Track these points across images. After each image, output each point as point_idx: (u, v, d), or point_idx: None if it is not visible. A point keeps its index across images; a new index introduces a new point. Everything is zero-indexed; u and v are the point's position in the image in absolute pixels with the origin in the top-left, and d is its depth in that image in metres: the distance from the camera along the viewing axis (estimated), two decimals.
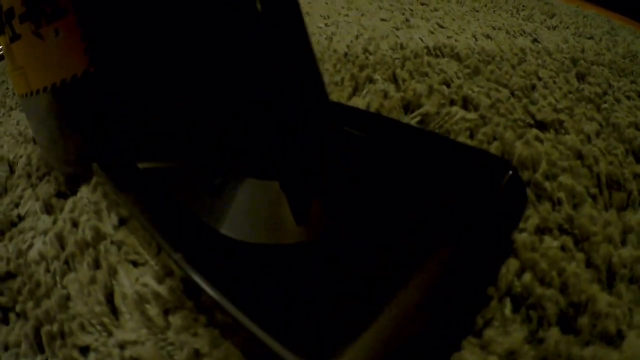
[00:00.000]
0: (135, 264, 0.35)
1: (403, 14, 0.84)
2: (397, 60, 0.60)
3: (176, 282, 0.32)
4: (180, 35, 0.32)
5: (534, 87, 0.53)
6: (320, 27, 0.79)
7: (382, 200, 0.29)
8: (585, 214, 0.33)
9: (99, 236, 0.37)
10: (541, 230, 0.32)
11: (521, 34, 0.75)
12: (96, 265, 0.35)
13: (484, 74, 0.55)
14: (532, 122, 0.45)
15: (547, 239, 0.32)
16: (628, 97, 0.53)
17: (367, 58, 0.62)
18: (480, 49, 0.64)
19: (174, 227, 0.31)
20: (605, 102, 0.50)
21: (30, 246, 0.39)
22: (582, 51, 0.67)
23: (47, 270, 0.35)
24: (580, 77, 0.57)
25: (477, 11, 0.88)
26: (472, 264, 0.26)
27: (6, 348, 0.31)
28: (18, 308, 0.33)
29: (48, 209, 0.43)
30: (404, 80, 0.54)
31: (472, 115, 0.46)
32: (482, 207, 0.27)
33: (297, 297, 0.24)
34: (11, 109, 0.74)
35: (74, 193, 0.44)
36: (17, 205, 0.45)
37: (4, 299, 0.34)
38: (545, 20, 0.84)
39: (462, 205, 0.27)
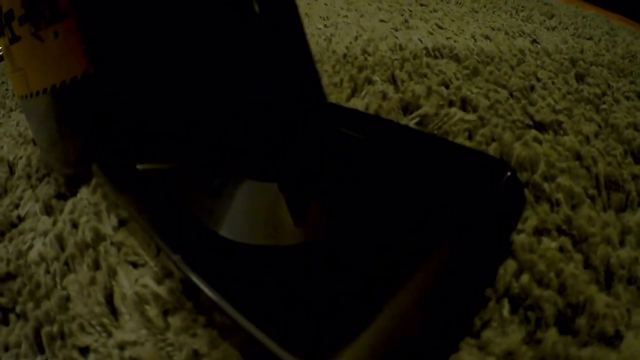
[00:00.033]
0: (134, 265, 0.35)
1: (402, 14, 0.84)
2: (396, 62, 0.60)
3: (175, 283, 0.32)
4: (179, 36, 0.32)
5: (532, 88, 0.53)
6: (320, 28, 0.79)
7: (380, 202, 0.29)
8: (584, 215, 0.33)
9: (98, 237, 0.37)
10: (539, 231, 0.33)
11: (520, 35, 0.75)
12: (96, 266, 0.35)
13: (482, 75, 0.55)
14: (531, 123, 0.45)
15: (546, 240, 0.32)
16: (627, 98, 0.53)
17: (366, 59, 0.62)
18: (479, 50, 0.64)
19: (173, 229, 0.31)
20: (604, 103, 0.50)
21: (30, 247, 0.39)
22: (581, 52, 0.67)
23: (47, 271, 0.35)
24: (579, 78, 0.57)
25: (476, 12, 0.88)
26: (470, 265, 0.26)
27: (6, 349, 0.31)
28: (18, 309, 0.33)
29: (48, 210, 0.43)
30: (402, 82, 0.54)
31: (470, 117, 0.46)
32: (480, 208, 0.27)
33: (296, 298, 0.24)
34: (11, 110, 0.74)
35: (74, 194, 0.44)
36: (17, 207, 0.45)
37: (4, 300, 0.34)
38: (544, 20, 0.84)
39: (461, 206, 0.27)
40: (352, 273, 0.25)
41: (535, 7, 0.93)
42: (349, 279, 0.25)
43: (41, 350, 0.30)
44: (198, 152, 0.37)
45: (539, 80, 0.55)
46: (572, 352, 0.25)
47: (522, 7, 0.92)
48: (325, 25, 0.80)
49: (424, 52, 0.64)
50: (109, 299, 0.32)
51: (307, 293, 0.24)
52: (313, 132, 0.30)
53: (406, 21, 0.80)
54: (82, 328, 0.31)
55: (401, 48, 0.66)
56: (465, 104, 0.49)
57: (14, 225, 0.43)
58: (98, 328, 0.31)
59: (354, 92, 0.54)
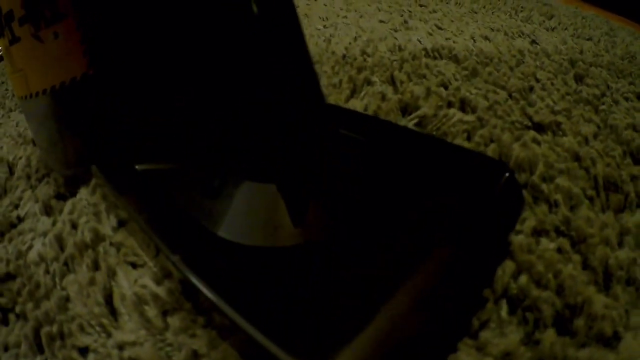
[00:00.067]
0: (134, 265, 0.35)
1: (401, 15, 0.84)
2: (395, 62, 0.60)
3: (174, 284, 0.32)
4: (178, 36, 0.32)
5: (531, 88, 0.53)
6: (319, 29, 0.79)
7: (379, 203, 0.29)
8: (582, 216, 0.34)
9: (98, 238, 0.37)
10: (538, 232, 0.33)
11: (520, 36, 0.75)
12: (95, 266, 0.35)
13: (482, 76, 0.55)
14: (530, 124, 0.45)
15: (544, 240, 0.32)
16: (626, 99, 0.53)
17: (365, 60, 0.62)
18: (479, 51, 0.64)
19: (172, 230, 0.31)
20: (603, 104, 0.50)
21: (30, 247, 0.39)
22: (581, 52, 0.67)
23: (47, 271, 0.36)
24: (579, 79, 0.57)
25: (476, 12, 0.88)
26: (468, 265, 0.26)
27: (6, 349, 0.31)
28: (18, 309, 0.33)
29: (47, 211, 0.43)
30: (401, 83, 0.54)
31: (469, 118, 0.46)
32: (478, 209, 0.27)
33: (295, 299, 0.24)
34: (10, 110, 0.74)
35: (73, 195, 0.44)
36: (16, 207, 0.45)
37: (3, 300, 0.34)
38: (543, 21, 0.85)
39: (459, 207, 0.27)
40: (350, 274, 0.25)
41: (535, 7, 0.93)
42: (348, 279, 0.25)
43: (41, 351, 0.30)
44: (197, 152, 0.37)
45: (538, 81, 0.55)
46: (570, 353, 0.25)
47: (522, 7, 0.92)
48: (324, 26, 0.80)
49: (423, 53, 0.64)
50: (109, 299, 0.33)
51: (306, 294, 0.24)
52: (312, 133, 0.30)
53: (405, 22, 0.80)
54: (81, 328, 0.31)
55: (400, 49, 0.66)
56: (464, 105, 0.49)
57: (13, 226, 0.43)
58: (97, 328, 0.31)
59: (353, 93, 0.54)
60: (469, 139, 0.43)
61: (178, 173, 0.36)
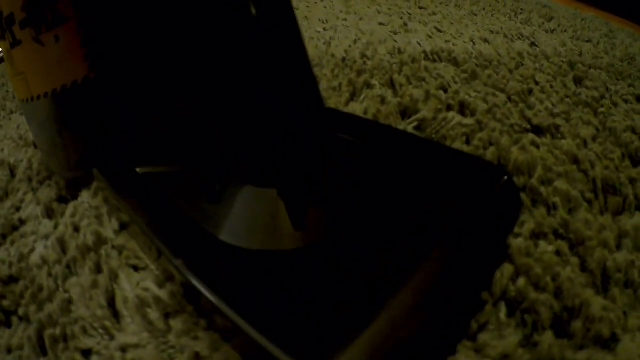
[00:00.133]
0: (136, 268, 0.35)
1: (401, 17, 0.85)
2: (394, 65, 0.60)
3: (177, 287, 0.32)
4: (178, 40, 0.32)
5: (531, 91, 0.53)
6: (319, 32, 0.79)
7: (378, 207, 0.30)
8: (581, 219, 0.34)
9: (100, 241, 0.37)
10: (536, 235, 0.33)
11: (519, 38, 0.75)
12: (98, 269, 0.35)
13: (481, 79, 0.55)
14: (529, 127, 0.45)
15: (542, 243, 0.32)
16: (625, 101, 0.53)
17: (364, 63, 0.62)
18: (478, 54, 0.64)
19: (174, 233, 0.31)
20: (602, 106, 0.50)
21: (32, 250, 0.39)
22: (580, 55, 0.68)
23: (49, 274, 0.36)
24: (578, 81, 0.57)
25: (475, 15, 0.88)
26: (467, 268, 0.27)
27: (9, 351, 0.31)
28: (21, 312, 0.33)
29: (49, 214, 0.43)
30: (401, 86, 0.54)
31: (468, 121, 0.46)
32: (477, 212, 0.27)
33: (296, 302, 0.25)
34: (11, 112, 0.74)
35: (75, 198, 0.44)
36: (18, 210, 0.45)
37: (6, 303, 0.34)
38: (543, 23, 0.85)
39: (458, 211, 0.27)
40: (351, 277, 0.25)
41: (534, 9, 0.93)
42: (348, 283, 0.25)
43: (44, 353, 0.31)
44: (198, 157, 0.37)
45: (537, 83, 0.55)
46: (568, 355, 0.25)
47: (522, 9, 0.93)
48: (324, 29, 0.80)
49: (423, 55, 0.64)
50: (111, 302, 0.33)
51: (306, 297, 0.25)
52: (311, 137, 0.30)
53: (405, 24, 0.80)
54: (84, 331, 0.31)
55: (400, 52, 0.66)
56: (463, 108, 0.49)
57: (15, 229, 0.43)
58: (100, 331, 0.31)
59: (353, 96, 0.54)
60: (468, 142, 0.43)
61: (179, 177, 0.36)
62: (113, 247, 0.37)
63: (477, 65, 0.59)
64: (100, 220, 0.40)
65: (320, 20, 0.86)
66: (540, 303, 0.28)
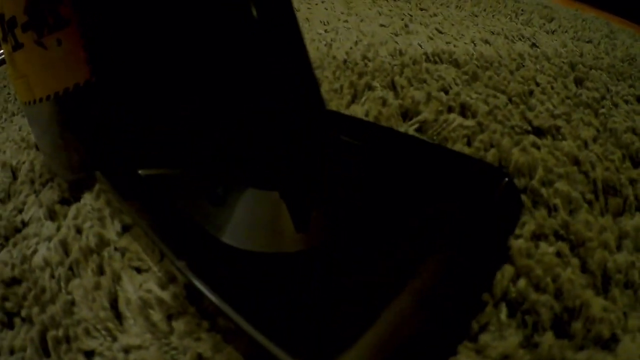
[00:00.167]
0: (138, 270, 0.35)
1: (402, 19, 0.85)
2: (395, 67, 0.60)
3: (179, 289, 0.33)
4: (180, 42, 0.32)
5: (531, 92, 0.53)
6: (320, 33, 0.79)
7: (380, 209, 0.30)
8: (581, 220, 0.34)
9: (102, 243, 0.37)
10: (537, 236, 0.33)
11: (520, 39, 0.75)
12: (100, 271, 0.35)
13: (482, 80, 0.55)
14: (529, 128, 0.46)
15: (543, 244, 0.32)
16: (626, 102, 0.53)
17: (366, 65, 0.62)
18: (479, 55, 0.64)
19: (176, 235, 0.31)
20: (603, 107, 0.50)
21: (35, 252, 0.39)
22: (581, 55, 0.68)
23: (52, 276, 0.36)
24: (579, 82, 0.57)
25: (476, 16, 0.88)
26: (468, 270, 0.27)
27: (12, 352, 0.32)
28: (23, 313, 0.34)
29: (52, 216, 0.43)
30: (402, 88, 0.54)
31: (469, 122, 0.46)
32: (478, 214, 0.28)
33: (298, 303, 0.25)
34: (13, 114, 0.74)
35: (77, 200, 0.44)
36: (20, 212, 0.45)
37: (9, 304, 0.35)
38: (544, 24, 0.85)
39: (459, 212, 0.27)
40: (353, 279, 0.25)
41: (535, 10, 0.93)
42: (350, 284, 0.25)
43: (47, 354, 0.31)
44: (200, 160, 0.37)
45: (538, 84, 0.55)
46: (569, 355, 0.25)
47: (522, 10, 0.92)
48: (325, 30, 0.80)
49: (424, 57, 0.64)
50: (114, 303, 0.33)
51: (308, 298, 0.25)
52: (313, 140, 0.30)
53: (406, 26, 0.80)
54: (87, 332, 0.31)
55: (401, 53, 0.66)
56: (464, 110, 0.49)
57: (18, 230, 0.43)
58: (103, 332, 0.31)
59: (354, 98, 0.54)
60: (469, 144, 0.43)
61: (182, 179, 0.37)
62: (115, 249, 0.37)
63: (478, 66, 0.60)
64: (102, 222, 0.40)
65: (321, 21, 0.86)
66: (541, 304, 0.28)
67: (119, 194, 0.37)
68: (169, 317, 0.31)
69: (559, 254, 0.31)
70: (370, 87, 0.55)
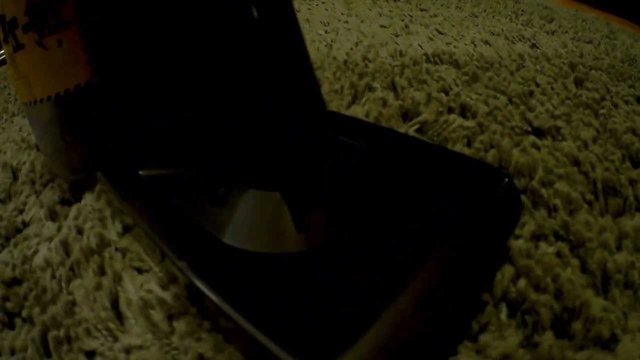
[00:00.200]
0: (139, 270, 0.35)
1: (402, 20, 0.85)
2: (396, 68, 0.60)
3: (180, 289, 0.33)
4: (181, 44, 0.32)
5: (531, 93, 0.53)
6: (320, 34, 0.79)
7: (380, 209, 0.30)
8: (581, 220, 0.34)
9: (103, 243, 0.38)
10: (537, 237, 0.33)
11: (520, 40, 0.75)
12: (101, 271, 0.35)
13: (482, 81, 0.55)
14: (530, 129, 0.46)
15: (543, 245, 0.32)
16: (626, 102, 0.53)
17: (366, 66, 0.62)
18: (479, 56, 0.64)
19: (177, 236, 0.31)
20: (603, 108, 0.50)
21: (35, 252, 0.39)
22: (581, 56, 0.68)
23: (53, 276, 0.36)
24: (579, 83, 0.57)
25: (476, 16, 0.88)
26: (468, 270, 0.27)
27: (13, 352, 0.32)
28: (24, 313, 0.34)
29: (52, 216, 0.43)
30: (402, 88, 0.54)
31: (469, 123, 0.46)
32: (478, 215, 0.28)
33: (299, 304, 0.25)
34: (13, 115, 0.74)
35: (78, 200, 0.44)
36: (21, 212, 0.45)
37: (10, 305, 0.35)
38: (544, 25, 0.84)
39: (459, 213, 0.27)
40: (353, 279, 0.25)
41: (535, 11, 0.93)
42: (351, 285, 0.25)
43: (48, 354, 0.31)
44: (201, 160, 0.37)
45: (538, 85, 0.55)
46: (569, 355, 0.25)
47: (522, 11, 0.92)
48: (326, 31, 0.80)
49: (424, 58, 0.64)
50: (115, 303, 0.33)
51: (309, 298, 0.25)
52: (313, 140, 0.30)
53: (406, 26, 0.80)
54: (88, 332, 0.31)
55: (401, 54, 0.66)
56: (464, 111, 0.49)
57: (18, 231, 0.43)
58: (104, 332, 0.31)
59: (355, 99, 0.54)
60: (469, 144, 0.43)
61: (182, 180, 0.37)
62: (116, 249, 0.37)
63: (478, 67, 0.60)
64: (103, 222, 0.40)
65: (321, 22, 0.86)
66: (541, 304, 0.28)
67: (119, 194, 0.37)
68: (170, 318, 0.31)
69: (559, 254, 0.32)
70: (370, 88, 0.55)
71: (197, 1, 0.27)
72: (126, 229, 0.39)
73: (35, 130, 0.46)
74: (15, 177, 0.51)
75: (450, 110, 0.49)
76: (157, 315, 0.31)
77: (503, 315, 0.28)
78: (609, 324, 0.27)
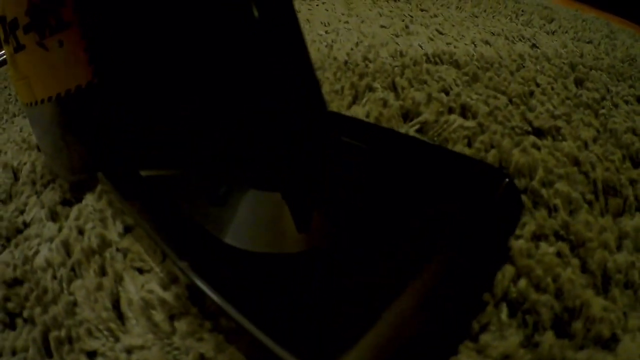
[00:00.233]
0: (140, 271, 0.35)
1: (403, 20, 0.85)
2: (396, 68, 0.60)
3: (181, 289, 0.33)
4: (182, 45, 0.32)
5: (532, 93, 0.53)
6: (321, 35, 0.79)
7: (381, 210, 0.30)
8: (581, 220, 0.34)
9: (104, 243, 0.38)
10: (537, 237, 0.33)
11: (520, 40, 0.75)
12: (102, 272, 0.35)
13: (482, 81, 0.55)
14: (530, 129, 0.46)
15: (543, 245, 0.32)
16: (626, 102, 0.53)
17: (367, 66, 0.62)
18: (479, 56, 0.64)
19: (178, 236, 0.32)
20: (603, 108, 0.50)
21: (36, 253, 0.39)
22: (581, 56, 0.67)
23: (54, 276, 0.36)
24: (579, 83, 0.57)
25: (477, 17, 0.88)
26: (469, 270, 0.27)
27: (14, 353, 0.32)
28: (25, 314, 0.34)
29: (53, 217, 0.43)
30: (403, 89, 0.54)
31: (470, 123, 0.46)
32: (478, 215, 0.28)
33: (300, 304, 0.25)
34: (14, 115, 0.74)
35: (79, 201, 0.44)
36: (22, 212, 0.45)
37: (11, 305, 0.35)
38: (544, 25, 0.84)
39: (459, 213, 0.27)
40: (354, 279, 0.25)
41: (535, 11, 0.93)
42: (352, 285, 0.25)
43: (49, 355, 0.31)
44: (202, 161, 0.37)
45: (538, 85, 0.55)
46: (569, 355, 0.26)
47: (522, 11, 0.92)
48: (326, 32, 0.80)
49: (424, 58, 0.64)
50: (116, 304, 0.33)
51: (310, 298, 0.25)
52: (314, 141, 0.30)
53: (407, 27, 0.80)
54: (89, 333, 0.31)
55: (402, 54, 0.66)
56: (464, 111, 0.49)
57: (19, 231, 0.43)
58: (105, 333, 0.31)
59: (355, 99, 0.54)
60: (469, 145, 0.43)
61: (183, 180, 0.37)
62: (117, 249, 0.37)
63: (478, 67, 0.60)
64: (104, 223, 0.40)
65: (322, 23, 0.86)
66: (541, 304, 0.28)
67: (120, 194, 0.37)
68: (171, 318, 0.31)
69: (559, 254, 0.32)
70: (371, 88, 0.55)
71: (198, 1, 0.27)
72: (127, 229, 0.39)
73: (36, 131, 0.46)
74: (16, 178, 0.51)
75: (451, 111, 0.49)
76: (158, 316, 0.31)
77: (504, 315, 0.28)
78: (609, 324, 0.27)
